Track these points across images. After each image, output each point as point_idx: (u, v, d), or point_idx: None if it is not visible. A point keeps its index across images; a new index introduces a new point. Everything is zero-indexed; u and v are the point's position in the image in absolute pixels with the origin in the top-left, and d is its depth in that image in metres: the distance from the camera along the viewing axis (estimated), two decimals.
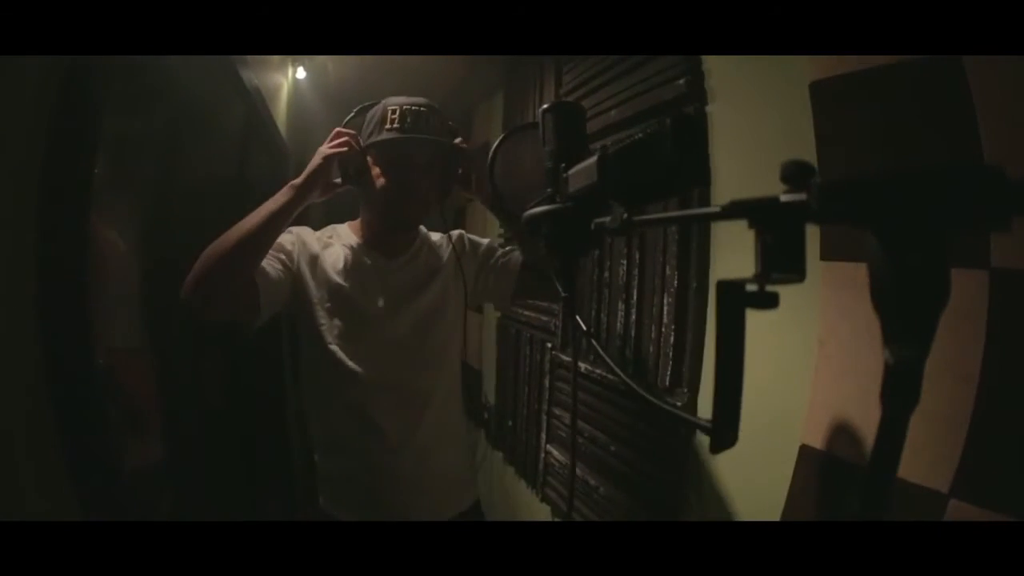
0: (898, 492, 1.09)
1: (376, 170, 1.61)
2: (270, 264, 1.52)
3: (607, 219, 0.68)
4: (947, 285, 0.39)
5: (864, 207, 0.41)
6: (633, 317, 1.97)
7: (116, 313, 1.85)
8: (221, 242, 1.40)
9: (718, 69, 1.68)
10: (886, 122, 1.22)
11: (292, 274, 1.61)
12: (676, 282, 1.76)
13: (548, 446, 2.53)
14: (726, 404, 0.55)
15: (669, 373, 1.77)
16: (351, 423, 1.64)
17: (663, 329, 1.81)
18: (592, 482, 2.09)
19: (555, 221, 0.80)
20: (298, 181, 1.49)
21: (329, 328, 1.62)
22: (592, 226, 0.73)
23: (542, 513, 2.59)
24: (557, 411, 2.49)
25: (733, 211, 0.49)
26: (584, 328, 0.82)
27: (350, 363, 1.61)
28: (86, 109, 1.40)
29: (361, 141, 1.62)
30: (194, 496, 2.20)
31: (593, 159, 0.68)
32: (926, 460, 1.06)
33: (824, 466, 1.30)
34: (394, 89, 4.01)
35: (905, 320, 0.42)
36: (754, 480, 1.49)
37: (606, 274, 2.13)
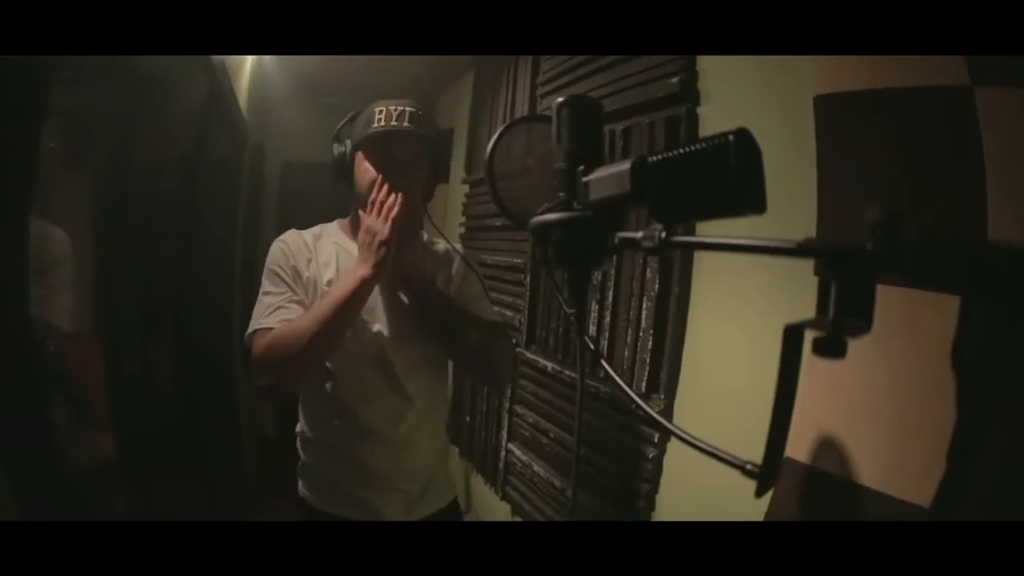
0: (888, 507, 1.11)
1: (365, 166, 1.58)
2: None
3: (638, 235, 0.62)
4: None
5: (961, 273, 0.37)
6: (607, 320, 1.91)
7: (64, 297, 1.76)
8: (292, 339, 1.44)
9: (713, 71, 1.64)
10: (892, 143, 1.21)
11: (303, 289, 1.62)
12: (657, 286, 1.71)
13: (509, 444, 2.48)
14: (775, 447, 0.51)
15: (646, 378, 1.73)
16: (342, 424, 1.63)
17: (640, 333, 1.77)
18: (558, 484, 2.05)
19: (570, 230, 0.73)
20: (366, 273, 1.48)
21: None
22: (616, 240, 0.66)
23: (502, 511, 2.54)
24: (519, 409, 2.43)
25: (810, 251, 0.44)
26: (593, 348, 0.75)
27: (343, 366, 1.60)
28: (31, 80, 1.30)
29: (350, 142, 1.63)
30: (145, 492, 2.11)
31: (625, 166, 0.61)
32: (911, 477, 1.07)
33: (806, 479, 1.29)
34: (358, 68, 3.93)
35: (987, 387, 0.39)
36: (733, 491, 1.46)
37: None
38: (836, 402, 1.25)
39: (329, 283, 1.60)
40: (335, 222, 1.76)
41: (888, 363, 1.15)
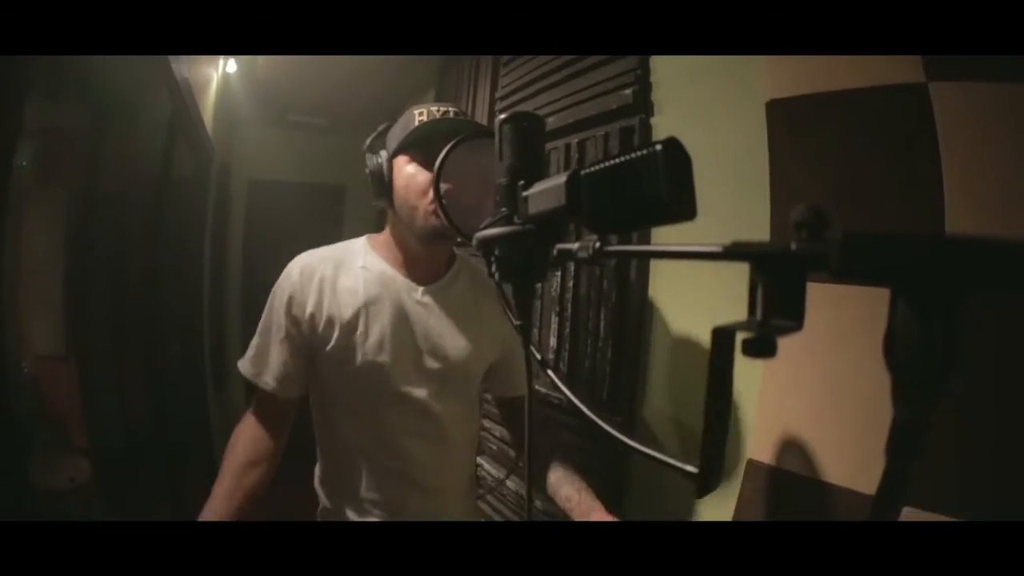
0: (854, 503, 1.14)
1: (410, 168, 1.39)
2: (284, 368, 1.46)
3: (574, 246, 0.63)
4: (963, 348, 0.38)
5: (886, 267, 0.38)
6: (567, 330, 1.93)
7: (36, 318, 1.74)
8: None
9: (667, 81, 1.67)
10: (846, 143, 1.24)
11: (306, 347, 1.46)
12: (615, 296, 1.73)
13: (478, 459, 2.48)
14: (713, 450, 0.52)
15: (606, 388, 1.75)
16: (378, 472, 1.49)
17: (600, 343, 1.79)
18: (539, 505, 2.05)
19: (511, 245, 0.74)
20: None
21: (346, 372, 1.44)
22: (555, 252, 0.67)
23: None
24: (486, 423, 2.44)
25: (737, 254, 0.45)
26: (539, 358, 0.76)
27: (382, 413, 1.46)
28: (7, 97, 1.29)
29: (386, 153, 1.44)
30: (118, 514, 2.09)
31: (560, 179, 0.62)
32: (878, 472, 1.08)
33: (771, 479, 1.31)
34: (322, 87, 3.92)
35: (919, 380, 0.40)
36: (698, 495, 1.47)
37: (538, 286, 2.09)
38: (794, 402, 1.29)
39: (359, 313, 1.42)
40: (364, 238, 1.55)
41: (848, 360, 1.18)
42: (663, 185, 0.50)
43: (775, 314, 0.44)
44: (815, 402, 1.25)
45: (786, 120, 1.33)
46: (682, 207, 0.51)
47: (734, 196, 1.40)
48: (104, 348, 2.27)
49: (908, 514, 1.06)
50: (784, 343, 1.23)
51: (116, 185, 2.29)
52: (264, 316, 1.48)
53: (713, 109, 1.52)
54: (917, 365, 0.39)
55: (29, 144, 1.48)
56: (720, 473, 0.53)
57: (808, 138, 1.30)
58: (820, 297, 1.16)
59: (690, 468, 0.54)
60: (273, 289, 1.47)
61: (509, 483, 2.20)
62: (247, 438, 1.46)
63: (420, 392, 1.46)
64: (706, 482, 0.52)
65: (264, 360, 1.46)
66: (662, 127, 1.66)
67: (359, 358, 1.42)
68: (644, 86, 1.69)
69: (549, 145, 2.05)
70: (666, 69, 1.66)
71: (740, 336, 0.46)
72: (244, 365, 1.49)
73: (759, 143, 1.36)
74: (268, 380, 1.45)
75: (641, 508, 1.68)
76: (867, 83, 1.19)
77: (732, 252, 0.45)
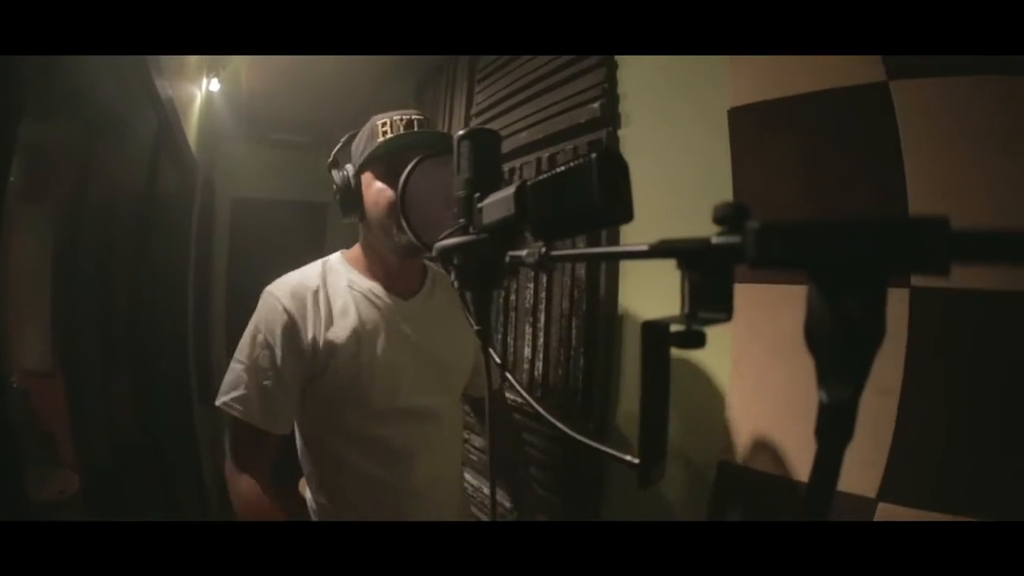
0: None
1: (378, 185, 1.36)
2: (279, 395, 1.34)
3: (523, 252, 0.66)
4: (883, 328, 0.39)
5: (801, 253, 0.40)
6: (541, 340, 1.96)
7: (25, 333, 1.75)
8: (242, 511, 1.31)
9: (633, 93, 1.71)
10: (806, 147, 1.26)
11: (303, 378, 1.37)
12: (585, 306, 1.76)
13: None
14: (652, 441, 0.53)
15: (579, 396, 1.78)
16: (379, 489, 1.43)
17: (572, 352, 1.82)
18: (508, 505, 2.07)
19: (468, 253, 0.77)
20: None
21: (340, 389, 1.37)
22: (507, 259, 0.70)
23: None
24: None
25: (662, 251, 0.47)
26: (499, 362, 0.79)
27: (368, 428, 1.40)
28: (3, 115, 1.29)
29: (352, 167, 1.42)
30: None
31: (510, 190, 0.65)
32: (854, 469, 1.10)
33: (743, 481, 1.34)
34: (304, 105, 3.93)
35: (841, 362, 0.42)
36: (674, 500, 1.50)
37: (512, 297, 2.13)
38: (762, 403, 1.31)
39: (356, 335, 1.36)
40: (338, 254, 1.51)
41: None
42: (597, 191, 0.53)
43: (703, 307, 0.46)
44: (783, 402, 1.27)
45: (748, 126, 1.35)
46: (617, 211, 0.54)
47: (703, 201, 1.43)
48: (92, 363, 2.28)
49: (884, 509, 1.09)
50: (751, 345, 1.27)
51: (103, 202, 2.30)
52: (251, 351, 1.34)
53: (679, 118, 1.55)
54: (836, 348, 0.41)
55: (18, 161, 1.49)
56: (662, 465, 0.54)
57: (770, 143, 1.32)
58: (785, 298, 1.19)
59: (631, 459, 0.56)
60: (257, 321, 1.36)
61: (488, 492, 2.21)
62: (255, 494, 1.32)
63: (433, 403, 1.46)
64: (647, 472, 0.53)
65: (267, 400, 1.33)
66: (630, 139, 1.69)
67: (365, 381, 1.37)
68: (612, 99, 1.73)
69: (521, 159, 2.10)
70: (633, 81, 1.70)
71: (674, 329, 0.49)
72: (245, 407, 1.32)
73: (725, 149, 1.39)
74: (271, 421, 1.33)
75: (617, 513, 1.72)
76: (828, 85, 1.21)
77: (657, 250, 0.47)
